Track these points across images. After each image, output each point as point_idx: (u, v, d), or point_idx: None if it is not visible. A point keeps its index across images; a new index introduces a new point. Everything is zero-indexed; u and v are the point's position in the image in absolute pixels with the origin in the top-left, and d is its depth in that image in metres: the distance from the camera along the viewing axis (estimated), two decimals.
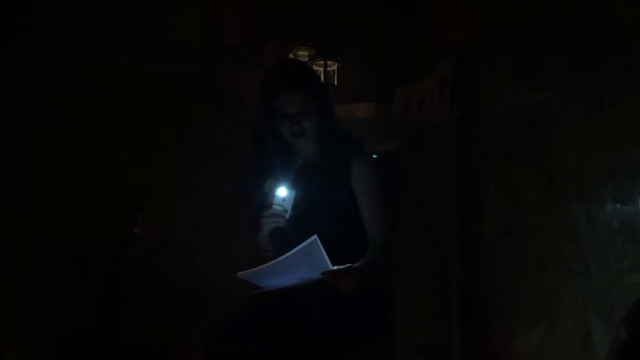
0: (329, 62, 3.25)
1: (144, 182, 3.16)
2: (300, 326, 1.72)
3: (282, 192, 1.83)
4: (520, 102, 2.05)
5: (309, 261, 1.71)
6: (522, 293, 1.98)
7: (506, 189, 2.12)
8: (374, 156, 2.50)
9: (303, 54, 3.26)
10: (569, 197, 1.74)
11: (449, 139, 2.43)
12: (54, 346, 2.82)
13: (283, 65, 2.43)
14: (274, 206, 1.83)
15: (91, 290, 2.95)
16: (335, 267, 1.74)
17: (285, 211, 1.83)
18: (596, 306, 1.62)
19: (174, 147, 3.26)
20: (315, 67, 3.18)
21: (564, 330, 1.75)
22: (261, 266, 1.77)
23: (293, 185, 1.85)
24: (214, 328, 1.76)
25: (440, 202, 2.44)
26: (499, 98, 2.22)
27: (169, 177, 3.23)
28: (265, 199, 1.87)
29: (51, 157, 3.13)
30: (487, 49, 2.36)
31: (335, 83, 3.28)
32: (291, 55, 3.27)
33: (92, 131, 3.19)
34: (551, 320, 1.82)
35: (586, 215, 1.67)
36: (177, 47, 3.28)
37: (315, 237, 1.67)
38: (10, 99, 3.10)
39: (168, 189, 3.21)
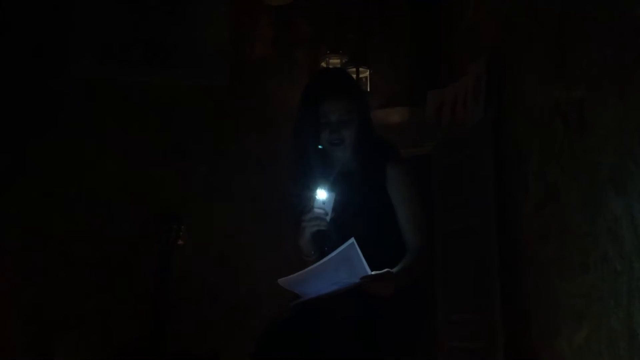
0: (360, 69, 3.27)
1: (182, 193, 3.22)
2: (341, 334, 1.74)
3: (322, 194, 1.85)
4: (555, 100, 2.03)
5: (347, 265, 1.73)
6: (564, 294, 1.96)
7: (544, 189, 2.10)
8: None
9: (335, 62, 3.28)
10: (609, 196, 1.72)
11: (485, 140, 2.42)
12: (102, 355, 2.88)
13: (326, 73, 2.47)
14: (314, 209, 1.85)
15: (137, 301, 3.02)
16: (373, 272, 1.76)
17: (327, 214, 1.85)
18: None
19: (210, 157, 3.32)
20: None
21: (609, 330, 1.73)
22: (301, 271, 1.79)
23: (332, 190, 1.88)
24: (259, 336, 1.79)
25: (477, 204, 2.43)
26: (533, 96, 2.21)
27: (206, 187, 3.28)
28: (305, 204, 1.90)
29: (90, 172, 3.21)
30: (518, 47, 2.36)
31: (368, 89, 3.30)
32: (323, 64, 3.30)
33: (130, 145, 3.27)
34: (595, 320, 1.80)
35: (628, 214, 1.65)
36: (208, 59, 3.34)
37: (352, 240, 1.69)
38: (45, 114, 3.19)
39: (206, 200, 3.26)
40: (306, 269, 1.80)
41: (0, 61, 3.17)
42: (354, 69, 3.24)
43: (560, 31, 2.02)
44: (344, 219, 1.94)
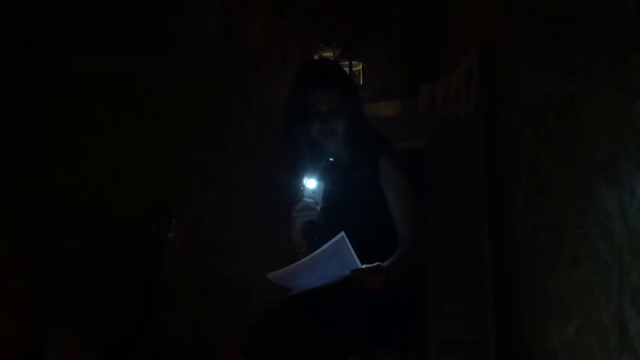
0: (354, 62, 3.26)
1: (174, 184, 3.21)
2: (332, 325, 1.73)
3: (312, 184, 1.84)
4: (547, 91, 2.03)
5: (337, 259, 1.72)
6: (555, 286, 1.96)
7: (536, 181, 2.10)
8: None
9: (328, 55, 3.27)
10: (601, 188, 1.72)
11: (477, 132, 2.42)
12: (92, 346, 2.88)
13: (316, 64, 2.46)
14: (304, 199, 1.84)
15: (127, 291, 3.01)
16: (364, 266, 1.75)
17: (317, 203, 1.84)
18: (631, 298, 1.60)
19: (203, 148, 3.30)
20: None
21: (599, 324, 1.73)
22: (290, 265, 1.78)
23: (321, 179, 1.87)
24: (250, 327, 1.79)
25: (469, 195, 2.43)
26: (525, 88, 2.20)
27: (198, 178, 3.27)
28: (296, 194, 1.89)
29: (82, 162, 3.20)
30: (511, 39, 2.35)
31: (361, 82, 3.29)
32: (316, 57, 3.28)
33: (122, 135, 3.25)
34: (586, 313, 1.80)
35: (619, 206, 1.65)
36: (203, 49, 3.33)
37: (342, 234, 1.68)
38: (38, 103, 3.17)
39: (198, 190, 3.25)
40: (296, 263, 1.79)
41: None
42: (347, 62, 3.23)
43: (553, 22, 2.01)
44: (336, 210, 1.93)
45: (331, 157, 2.01)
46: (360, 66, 3.30)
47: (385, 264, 1.81)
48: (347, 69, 3.22)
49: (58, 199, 3.15)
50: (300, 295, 1.81)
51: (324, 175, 1.91)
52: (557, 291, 1.94)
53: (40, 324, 3.03)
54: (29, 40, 3.19)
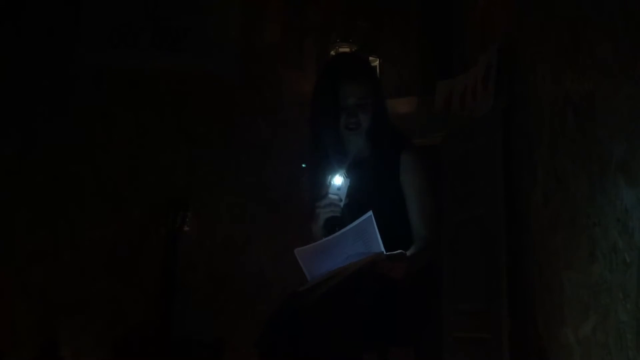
0: (370, 58, 3.25)
1: (190, 179, 3.23)
2: (347, 322, 1.73)
3: (338, 180, 1.85)
4: (566, 90, 2.02)
5: (363, 239, 1.73)
6: (571, 284, 1.95)
7: (554, 179, 2.09)
8: None
9: (344, 51, 3.27)
10: (620, 186, 1.71)
11: (494, 130, 2.41)
12: (108, 341, 2.90)
13: (343, 57, 2.46)
14: (329, 195, 1.85)
15: (143, 286, 3.03)
16: (387, 253, 1.75)
17: (340, 200, 1.86)
18: None
19: (218, 144, 3.32)
20: None
21: (616, 322, 1.72)
22: (318, 242, 1.79)
23: (348, 176, 1.88)
24: (264, 322, 1.79)
25: (486, 193, 2.42)
26: (544, 87, 2.19)
27: (213, 173, 3.28)
28: (320, 190, 1.90)
29: (99, 157, 3.22)
30: (530, 38, 2.34)
31: None
32: (332, 52, 3.28)
33: (139, 130, 3.27)
34: (603, 311, 1.79)
35: (638, 204, 1.64)
36: (218, 45, 3.34)
37: (370, 213, 1.68)
38: (55, 98, 3.20)
39: (213, 186, 3.27)
40: (323, 240, 1.80)
41: (12, 46, 3.18)
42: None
43: (573, 20, 2.00)
44: (357, 206, 1.93)
45: (353, 152, 2.02)
46: (377, 62, 3.30)
47: (407, 253, 1.81)
48: None
49: (75, 193, 3.18)
50: (316, 291, 1.82)
51: (349, 172, 1.91)
52: (574, 289, 1.93)
53: (56, 317, 3.06)
54: (47, 36, 3.22)
